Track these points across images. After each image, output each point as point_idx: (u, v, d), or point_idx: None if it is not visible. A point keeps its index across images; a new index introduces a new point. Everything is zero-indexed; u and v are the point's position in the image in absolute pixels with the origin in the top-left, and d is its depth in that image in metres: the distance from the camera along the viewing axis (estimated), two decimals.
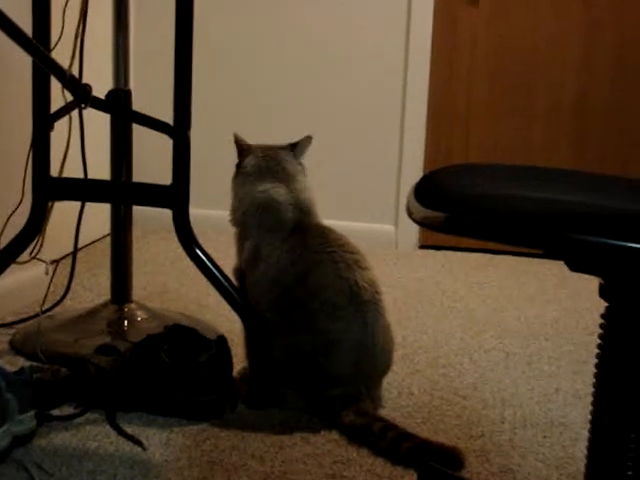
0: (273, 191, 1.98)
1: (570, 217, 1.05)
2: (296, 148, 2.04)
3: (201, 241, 2.12)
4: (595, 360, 1.27)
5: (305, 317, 1.91)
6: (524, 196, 1.14)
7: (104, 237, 3.15)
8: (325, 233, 1.98)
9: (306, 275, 1.92)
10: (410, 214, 1.23)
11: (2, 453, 1.67)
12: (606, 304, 1.24)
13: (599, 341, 1.26)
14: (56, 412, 1.88)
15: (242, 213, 2.00)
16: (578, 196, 1.17)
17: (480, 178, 1.25)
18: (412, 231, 3.51)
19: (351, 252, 1.96)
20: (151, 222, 3.21)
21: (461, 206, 1.13)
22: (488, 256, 3.40)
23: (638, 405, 1.24)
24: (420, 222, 1.19)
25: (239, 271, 2.04)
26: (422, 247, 3.53)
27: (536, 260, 3.32)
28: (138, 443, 1.79)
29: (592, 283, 1.25)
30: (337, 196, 3.46)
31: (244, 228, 2.00)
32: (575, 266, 1.12)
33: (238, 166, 2.04)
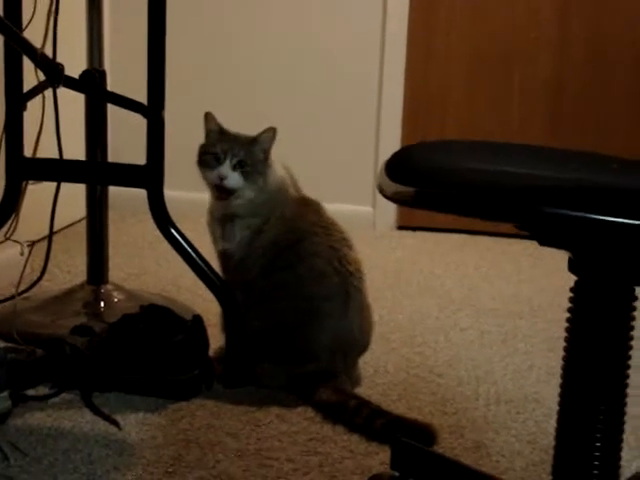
0: (284, 174, 2.03)
1: (538, 190, 1.06)
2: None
3: (182, 223, 2.11)
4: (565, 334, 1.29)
5: (290, 281, 1.94)
6: (493, 170, 1.15)
7: (80, 220, 3.13)
8: (320, 210, 2.04)
9: (299, 241, 1.96)
10: (381, 190, 1.24)
11: None
12: (575, 278, 1.25)
13: (569, 315, 1.27)
14: (31, 392, 1.88)
15: (268, 197, 1.99)
16: (548, 170, 1.18)
17: (451, 153, 1.25)
18: (390, 212, 3.52)
19: (340, 232, 2.02)
20: (129, 205, 3.18)
21: (431, 180, 1.14)
22: (464, 236, 3.42)
23: (607, 378, 1.25)
24: (391, 197, 1.20)
25: (226, 253, 2.02)
26: (400, 228, 3.54)
27: (511, 240, 3.34)
28: (114, 422, 1.79)
29: (566, 263, 1.25)
30: (315, 178, 3.42)
31: (255, 209, 1.99)
32: (544, 240, 1.13)
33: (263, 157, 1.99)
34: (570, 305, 1.27)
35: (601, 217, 1.03)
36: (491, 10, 3.44)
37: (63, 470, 1.60)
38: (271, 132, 1.99)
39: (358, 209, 3.52)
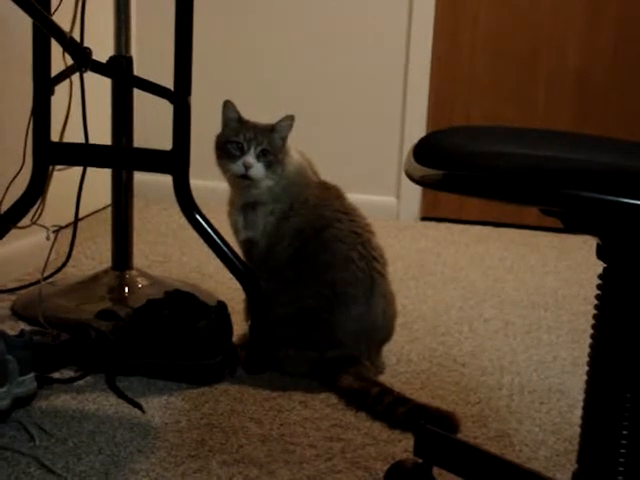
0: (301, 158, 2.04)
1: (567, 173, 1.05)
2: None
3: (204, 211, 2.11)
4: (592, 322, 1.27)
5: (315, 269, 1.95)
6: (522, 153, 1.14)
7: (105, 208, 3.15)
8: (342, 196, 2.05)
9: (323, 229, 1.97)
10: (409, 174, 1.23)
11: (3, 413, 1.68)
12: (604, 265, 1.24)
13: (596, 302, 1.26)
14: (56, 375, 1.89)
15: (287, 182, 1.99)
16: (577, 154, 1.17)
17: (479, 137, 1.25)
18: (414, 203, 3.51)
19: (362, 217, 2.04)
20: (153, 193, 3.21)
21: (459, 163, 1.13)
22: (488, 228, 3.40)
23: (635, 366, 1.24)
24: (419, 181, 1.19)
25: (250, 242, 2.03)
26: (424, 219, 3.54)
27: (536, 232, 3.33)
28: (137, 406, 1.80)
29: (592, 255, 1.24)
30: (339, 168, 3.42)
31: (276, 195, 1.98)
32: (571, 224, 1.12)
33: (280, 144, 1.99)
34: (598, 292, 1.26)
35: (632, 201, 1.02)
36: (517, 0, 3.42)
37: (88, 451, 1.61)
38: (289, 120, 1.99)
39: (382, 200, 3.52)
